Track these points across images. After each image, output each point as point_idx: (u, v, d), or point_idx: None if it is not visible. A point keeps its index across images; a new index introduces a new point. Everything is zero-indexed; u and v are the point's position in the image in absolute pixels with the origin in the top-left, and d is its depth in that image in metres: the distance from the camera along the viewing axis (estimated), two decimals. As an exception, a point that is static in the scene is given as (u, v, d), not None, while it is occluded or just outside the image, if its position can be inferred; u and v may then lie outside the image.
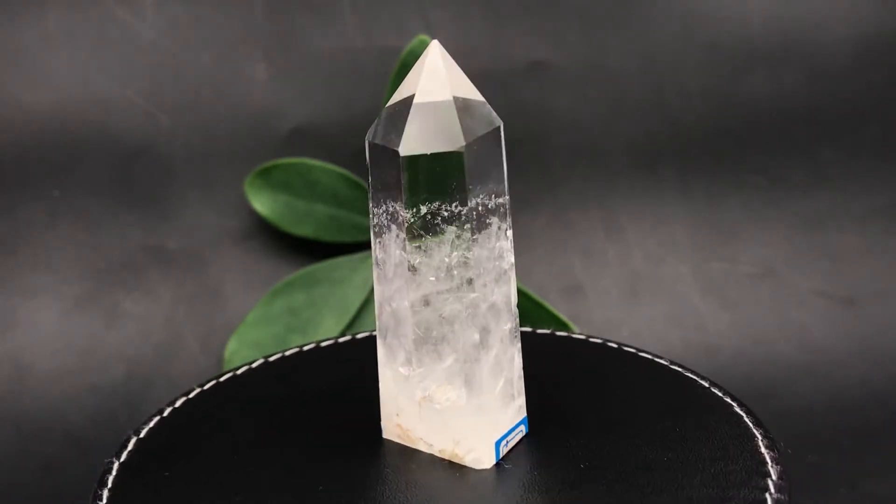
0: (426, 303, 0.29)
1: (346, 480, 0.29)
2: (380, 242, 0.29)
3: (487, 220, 0.29)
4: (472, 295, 0.28)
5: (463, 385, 0.29)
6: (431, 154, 0.27)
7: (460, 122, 0.28)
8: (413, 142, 0.27)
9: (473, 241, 0.28)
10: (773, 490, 0.27)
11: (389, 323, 0.30)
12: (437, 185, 0.28)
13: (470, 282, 0.28)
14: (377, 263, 0.30)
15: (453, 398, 0.29)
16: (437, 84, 0.28)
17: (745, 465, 0.29)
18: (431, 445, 0.30)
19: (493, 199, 0.29)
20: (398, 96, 0.28)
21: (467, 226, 0.28)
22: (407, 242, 0.28)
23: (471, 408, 0.29)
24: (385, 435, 0.31)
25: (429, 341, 0.29)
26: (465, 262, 0.28)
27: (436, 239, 0.28)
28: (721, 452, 0.29)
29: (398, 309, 0.29)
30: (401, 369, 0.29)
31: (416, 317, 0.29)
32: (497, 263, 0.29)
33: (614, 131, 0.63)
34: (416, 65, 0.29)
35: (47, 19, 0.60)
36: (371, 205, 0.29)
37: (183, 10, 0.60)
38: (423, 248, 0.28)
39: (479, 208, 0.28)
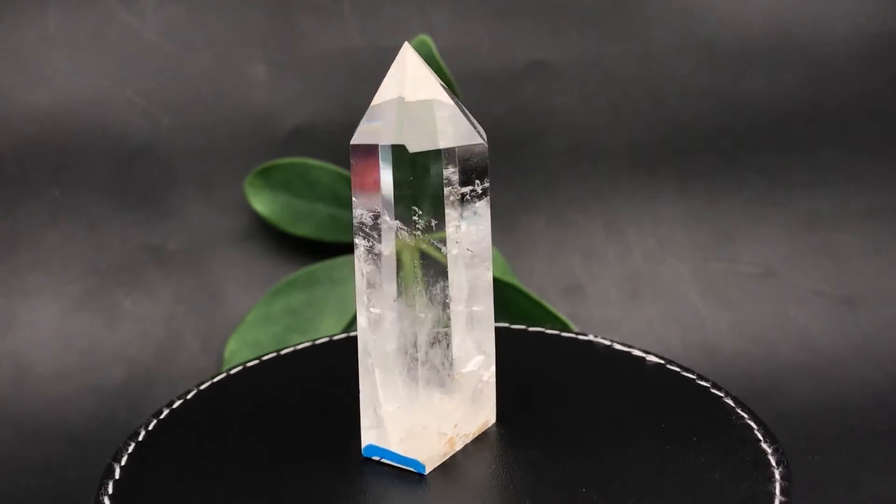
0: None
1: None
2: (382, 258, 0.28)
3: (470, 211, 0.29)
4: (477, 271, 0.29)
5: (491, 353, 0.31)
6: (421, 152, 0.27)
7: (440, 123, 0.28)
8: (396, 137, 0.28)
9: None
10: (777, 490, 0.27)
11: (421, 338, 0.29)
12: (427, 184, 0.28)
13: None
14: (380, 285, 0.28)
15: (492, 368, 0.31)
16: (417, 85, 0.28)
17: (748, 465, 0.29)
18: (469, 435, 0.30)
19: (476, 193, 0.29)
20: (379, 99, 0.28)
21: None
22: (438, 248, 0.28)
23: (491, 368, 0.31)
24: (430, 469, 0.29)
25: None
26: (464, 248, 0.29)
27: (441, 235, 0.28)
28: (723, 453, 0.29)
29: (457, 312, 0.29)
30: (481, 371, 0.30)
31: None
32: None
33: (614, 131, 0.63)
34: (393, 67, 0.29)
35: (47, 19, 0.60)
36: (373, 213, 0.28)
37: (183, 11, 0.60)
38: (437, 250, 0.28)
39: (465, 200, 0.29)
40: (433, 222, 0.28)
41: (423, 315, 0.28)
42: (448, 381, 0.29)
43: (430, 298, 0.28)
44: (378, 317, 0.29)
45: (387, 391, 0.29)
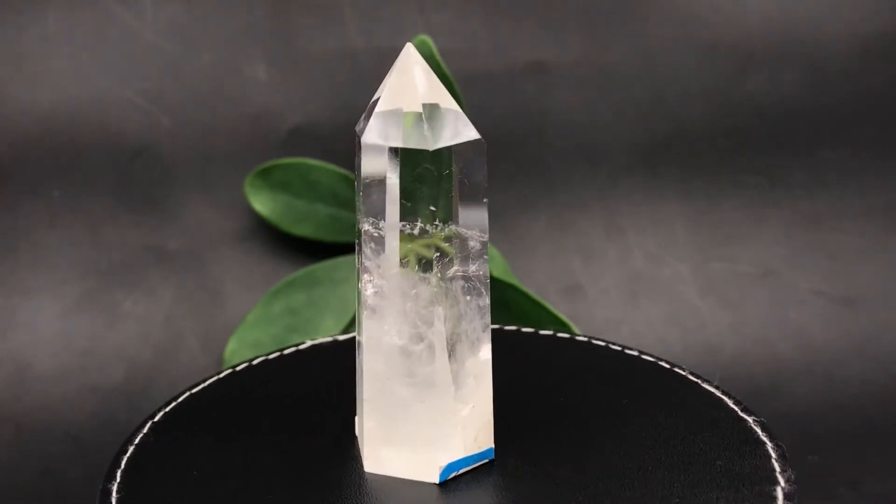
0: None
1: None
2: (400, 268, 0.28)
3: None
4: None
5: None
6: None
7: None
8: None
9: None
10: (778, 490, 0.27)
11: (469, 336, 0.29)
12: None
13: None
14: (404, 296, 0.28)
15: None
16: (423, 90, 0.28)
17: (748, 465, 0.29)
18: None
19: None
20: (390, 102, 0.28)
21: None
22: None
23: None
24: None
25: None
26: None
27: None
28: (723, 453, 0.29)
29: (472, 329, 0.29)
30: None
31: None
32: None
33: (614, 131, 0.63)
34: (397, 68, 0.28)
35: (47, 19, 0.60)
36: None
37: (183, 10, 0.60)
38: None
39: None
40: (438, 221, 0.28)
41: (458, 313, 0.28)
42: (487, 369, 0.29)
43: (455, 297, 0.28)
44: (422, 332, 0.28)
45: (458, 397, 0.29)
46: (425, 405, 0.28)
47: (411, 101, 0.28)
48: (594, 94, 0.62)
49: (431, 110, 0.28)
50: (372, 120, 0.28)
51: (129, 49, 0.60)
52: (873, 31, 0.63)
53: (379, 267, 0.28)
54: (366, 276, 0.28)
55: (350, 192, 0.58)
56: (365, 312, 0.29)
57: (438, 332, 0.28)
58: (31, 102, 0.59)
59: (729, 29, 0.63)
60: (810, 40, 0.63)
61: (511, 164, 0.62)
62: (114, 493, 0.29)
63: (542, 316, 0.52)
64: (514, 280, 0.54)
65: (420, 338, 0.28)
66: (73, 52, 0.60)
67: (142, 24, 0.60)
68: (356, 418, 0.31)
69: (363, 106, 0.64)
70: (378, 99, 0.28)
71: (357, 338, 0.30)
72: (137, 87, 0.60)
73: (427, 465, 0.29)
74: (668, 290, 0.61)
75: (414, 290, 0.28)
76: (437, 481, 0.29)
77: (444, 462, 0.29)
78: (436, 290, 0.28)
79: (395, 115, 0.28)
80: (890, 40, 0.63)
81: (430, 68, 0.29)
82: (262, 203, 0.58)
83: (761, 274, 0.62)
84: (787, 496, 0.27)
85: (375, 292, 0.28)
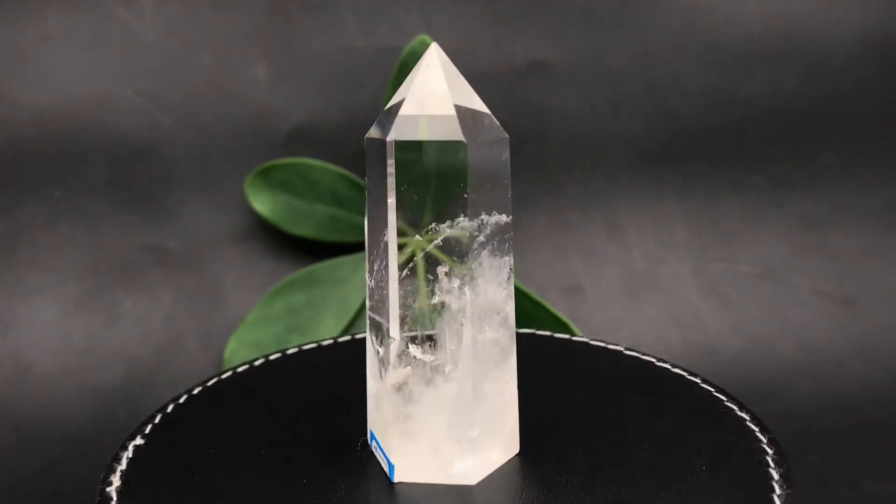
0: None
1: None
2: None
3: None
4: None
5: None
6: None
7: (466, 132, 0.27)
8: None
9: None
10: (777, 491, 0.27)
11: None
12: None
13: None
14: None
15: None
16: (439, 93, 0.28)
17: (748, 465, 0.29)
18: None
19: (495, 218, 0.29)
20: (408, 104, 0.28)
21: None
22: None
23: None
24: None
25: None
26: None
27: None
28: (723, 453, 0.29)
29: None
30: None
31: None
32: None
33: (614, 131, 0.63)
34: (418, 68, 0.28)
35: (47, 19, 0.60)
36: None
37: (183, 10, 0.60)
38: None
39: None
40: (487, 212, 0.28)
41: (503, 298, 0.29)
42: None
43: (498, 285, 0.28)
44: (501, 319, 0.28)
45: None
46: (510, 386, 0.29)
47: (438, 101, 0.27)
48: (594, 94, 0.62)
49: (458, 108, 0.28)
50: (385, 116, 0.28)
51: (129, 49, 0.60)
52: (873, 31, 0.63)
53: (464, 264, 0.27)
54: (453, 282, 0.27)
55: (350, 192, 0.58)
56: (442, 319, 0.27)
57: (512, 311, 0.29)
58: (31, 102, 0.59)
59: (729, 29, 0.63)
60: (810, 40, 0.63)
61: (511, 164, 0.62)
62: (113, 494, 0.29)
63: (542, 316, 0.52)
64: (514, 280, 0.54)
65: (502, 323, 0.28)
66: (73, 52, 0.60)
67: (142, 24, 0.60)
68: (383, 445, 0.29)
69: (363, 106, 0.64)
70: (404, 100, 0.28)
71: (419, 357, 0.28)
72: (137, 86, 0.60)
73: (515, 442, 0.29)
74: (668, 290, 0.61)
75: (500, 277, 0.28)
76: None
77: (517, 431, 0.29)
78: (508, 273, 0.29)
79: (411, 113, 0.28)
80: (890, 40, 0.63)
81: (455, 68, 0.28)
82: (262, 203, 0.58)
83: (761, 274, 0.62)
84: (785, 496, 0.27)
85: (461, 291, 0.27)
